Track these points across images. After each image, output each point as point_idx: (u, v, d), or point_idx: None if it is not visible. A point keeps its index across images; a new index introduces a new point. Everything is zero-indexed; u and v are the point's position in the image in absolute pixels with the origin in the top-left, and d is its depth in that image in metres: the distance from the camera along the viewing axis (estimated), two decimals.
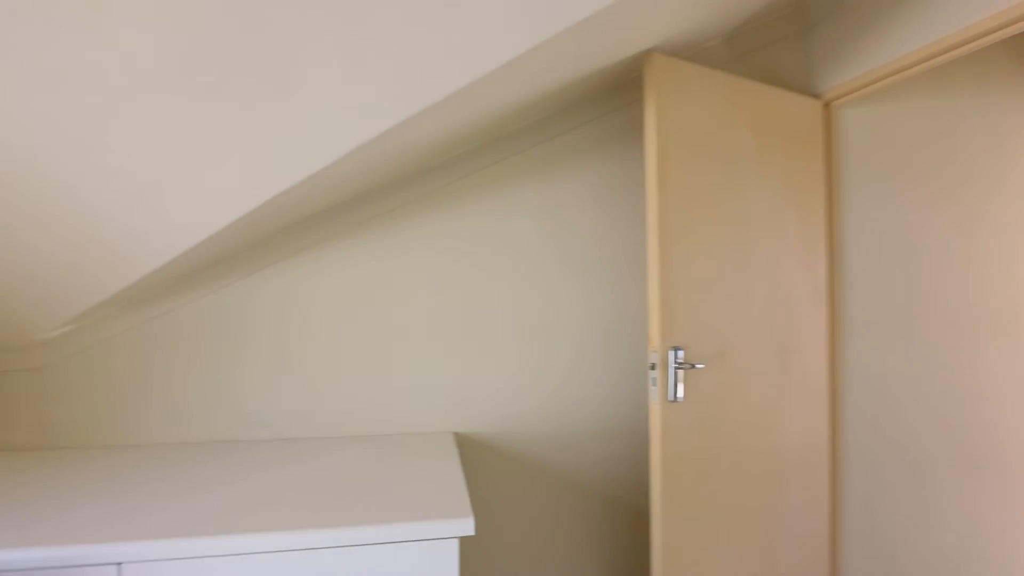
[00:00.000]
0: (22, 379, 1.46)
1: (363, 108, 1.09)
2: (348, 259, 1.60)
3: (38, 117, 1.00)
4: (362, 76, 1.04)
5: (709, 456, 1.52)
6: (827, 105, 1.77)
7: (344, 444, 1.52)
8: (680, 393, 1.46)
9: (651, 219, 1.46)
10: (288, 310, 1.57)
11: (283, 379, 1.57)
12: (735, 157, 1.59)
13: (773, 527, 1.65)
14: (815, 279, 1.75)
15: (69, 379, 1.48)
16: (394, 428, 1.63)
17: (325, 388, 1.59)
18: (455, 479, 1.25)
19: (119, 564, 0.96)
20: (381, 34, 0.98)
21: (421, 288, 1.64)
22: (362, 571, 1.02)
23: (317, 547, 1.00)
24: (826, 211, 1.77)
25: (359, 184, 1.48)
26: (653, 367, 1.47)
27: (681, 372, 1.46)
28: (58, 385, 1.48)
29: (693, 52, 1.68)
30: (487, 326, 1.67)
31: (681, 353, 1.45)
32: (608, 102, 1.71)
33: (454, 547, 1.05)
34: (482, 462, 1.67)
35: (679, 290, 1.48)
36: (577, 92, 1.57)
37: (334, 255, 1.60)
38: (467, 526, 1.05)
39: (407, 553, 1.04)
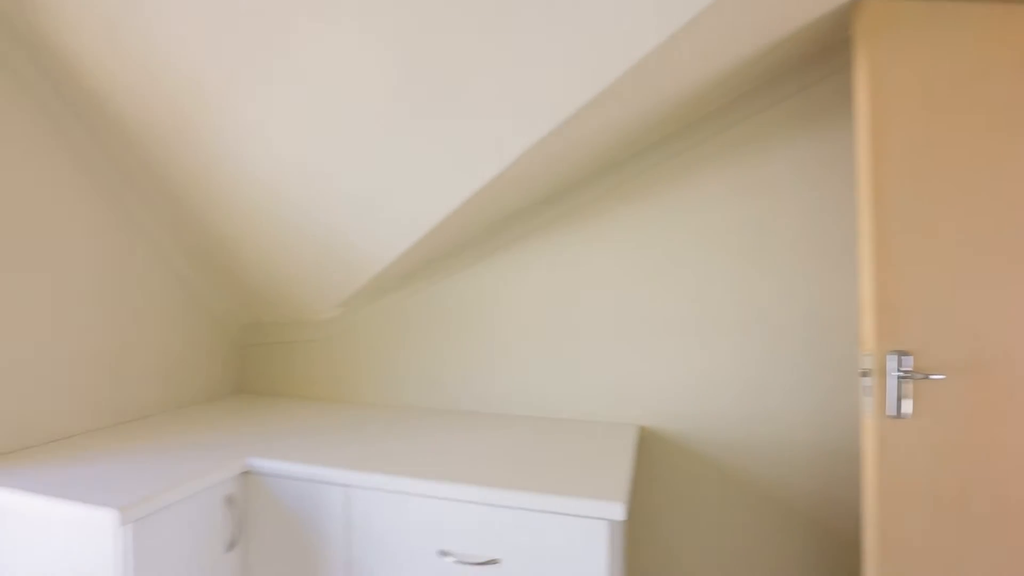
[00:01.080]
0: (315, 347, 1.99)
1: (537, 106, 1.20)
2: (542, 254, 1.74)
3: (305, 159, 1.38)
4: (531, 76, 1.16)
5: (956, 493, 1.21)
6: None
7: (535, 424, 1.67)
8: (906, 408, 1.20)
9: (864, 195, 1.23)
10: (493, 300, 1.79)
11: (489, 361, 1.79)
12: (1002, 109, 1.23)
13: None
14: None
15: (343, 349, 1.96)
16: (583, 415, 1.71)
17: (523, 372, 1.76)
18: (623, 468, 1.27)
19: (347, 486, 1.26)
20: (535, 32, 1.07)
21: (611, 280, 1.68)
22: (517, 532, 1.13)
23: (482, 502, 1.15)
24: None
25: (549, 182, 1.60)
26: (865, 374, 1.24)
27: (908, 384, 1.20)
28: (338, 353, 1.97)
29: None
30: (682, 320, 1.62)
31: (908, 359, 1.20)
32: (816, 69, 1.49)
33: (603, 528, 1.09)
34: (670, 461, 1.63)
35: (906, 281, 1.22)
36: (774, 62, 1.41)
37: (530, 251, 1.75)
38: (617, 511, 1.07)
39: (559, 524, 1.11)
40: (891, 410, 1.21)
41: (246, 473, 1.34)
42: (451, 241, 1.73)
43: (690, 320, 1.61)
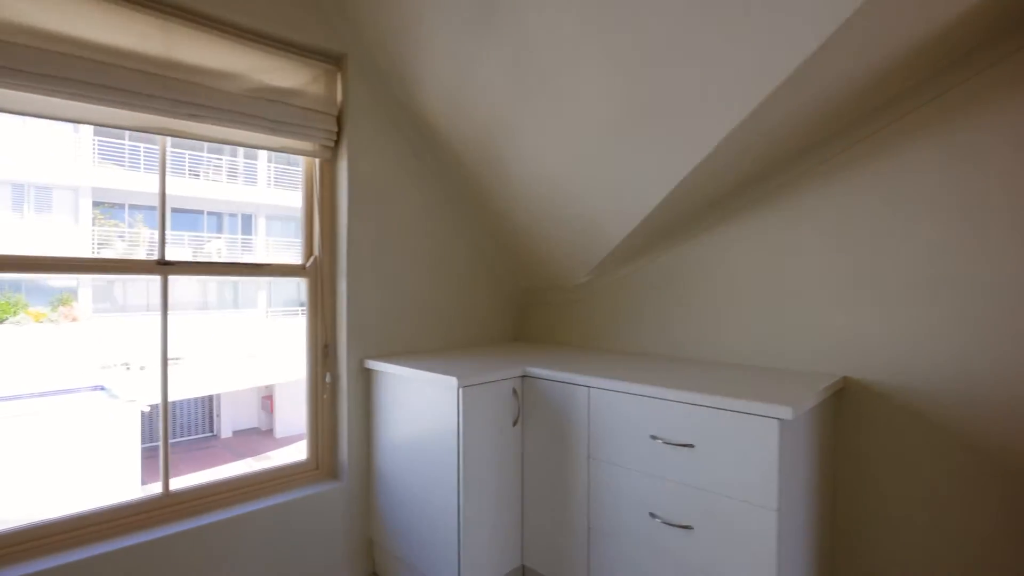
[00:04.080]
0: (572, 307, 2.62)
1: (728, 98, 1.58)
2: (753, 226, 2.02)
3: (562, 159, 1.98)
4: (722, 75, 1.54)
5: None
6: None
7: (744, 368, 1.97)
8: None
9: None
10: (710, 267, 2.13)
11: (708, 317, 2.14)
12: None
13: None
14: None
15: (592, 307, 2.54)
16: (791, 365, 1.94)
17: (738, 325, 2.07)
18: (803, 392, 1.53)
19: (588, 388, 1.81)
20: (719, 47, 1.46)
21: (817, 243, 1.87)
22: (708, 425, 1.52)
23: (681, 401, 1.57)
24: None
25: (752, 164, 1.89)
26: None
27: None
28: (588, 310, 2.56)
29: None
30: (886, 278, 1.73)
31: None
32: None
33: (774, 426, 1.40)
34: (875, 410, 1.75)
35: None
36: (980, 28, 1.46)
37: (741, 224, 2.04)
38: (785, 412, 1.38)
39: (740, 421, 1.46)
40: None
41: (524, 376, 2.01)
42: (672, 219, 2.14)
43: (894, 279, 1.71)
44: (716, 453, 1.51)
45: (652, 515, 1.64)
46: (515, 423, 1.98)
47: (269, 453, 10.38)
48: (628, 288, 2.41)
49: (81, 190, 11.58)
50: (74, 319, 10.54)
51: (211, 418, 12.58)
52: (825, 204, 1.86)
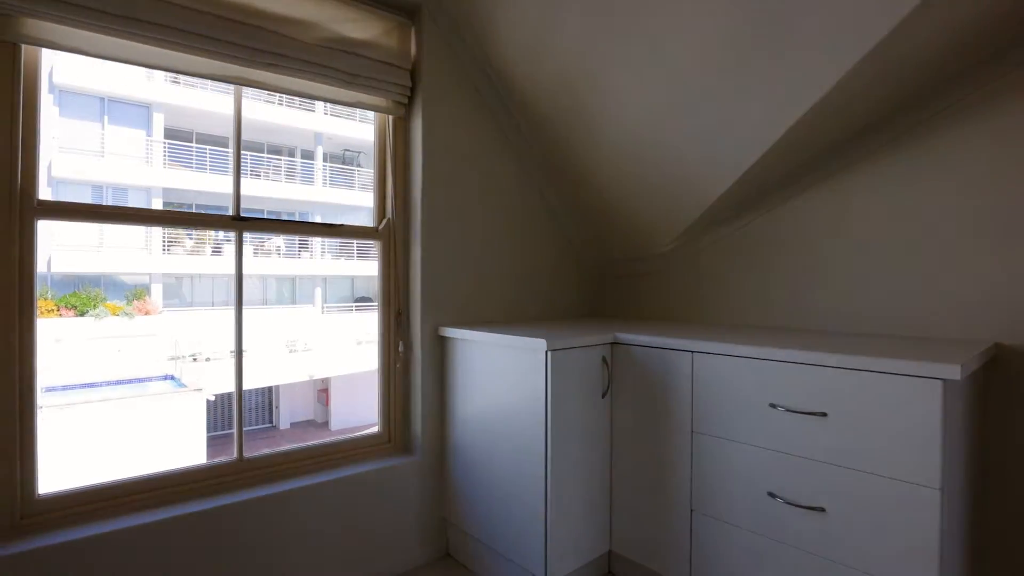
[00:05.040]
0: (653, 278, 2.42)
1: (847, 36, 1.36)
2: (870, 180, 1.77)
3: (651, 109, 1.80)
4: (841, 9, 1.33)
5: None
6: None
7: (867, 338, 1.73)
8: None
9: None
10: (820, 225, 1.90)
11: (819, 281, 1.91)
12: None
13: None
14: None
15: (676, 278, 2.34)
16: (921, 331, 1.68)
17: (853, 290, 1.82)
18: (963, 353, 1.29)
19: (692, 352, 1.62)
20: None
21: (957, 193, 1.62)
22: (844, 390, 1.30)
23: (808, 363, 1.36)
24: None
25: (870, 108, 1.66)
26: None
27: None
28: (672, 281, 2.36)
29: None
30: None
31: None
32: None
33: (936, 388, 1.17)
34: None
35: None
36: None
37: (855, 179, 1.80)
38: (952, 371, 1.15)
39: (888, 384, 1.24)
40: None
41: (615, 343, 1.83)
42: (775, 174, 1.92)
43: None
44: (856, 423, 1.29)
45: (771, 495, 1.43)
46: (604, 394, 1.81)
47: None
48: (719, 256, 2.19)
49: (153, 190, 12.17)
50: (147, 312, 11.05)
51: (271, 410, 12.97)
52: (964, 147, 1.60)
